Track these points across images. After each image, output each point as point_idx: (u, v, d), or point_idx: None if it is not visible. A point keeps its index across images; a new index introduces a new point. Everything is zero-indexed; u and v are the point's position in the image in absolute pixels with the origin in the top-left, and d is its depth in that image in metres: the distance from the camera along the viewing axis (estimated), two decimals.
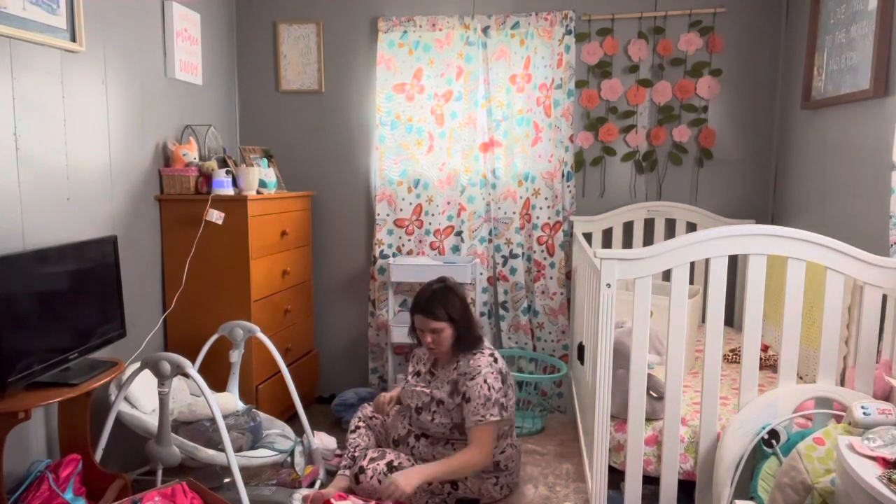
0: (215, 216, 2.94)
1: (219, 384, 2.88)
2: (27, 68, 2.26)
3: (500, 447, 2.65)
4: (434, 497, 2.57)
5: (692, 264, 2.53)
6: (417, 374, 2.80)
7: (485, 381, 2.55)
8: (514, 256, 3.65)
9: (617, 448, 2.37)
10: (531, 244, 3.69)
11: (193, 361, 2.63)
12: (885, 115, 2.41)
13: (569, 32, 3.50)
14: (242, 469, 2.41)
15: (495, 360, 2.64)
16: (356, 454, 2.69)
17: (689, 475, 2.30)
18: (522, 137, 3.61)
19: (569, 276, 3.68)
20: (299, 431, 2.93)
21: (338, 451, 3.03)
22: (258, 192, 3.15)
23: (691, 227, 3.54)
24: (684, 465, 2.30)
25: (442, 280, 2.74)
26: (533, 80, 3.56)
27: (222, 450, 2.34)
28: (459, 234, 3.69)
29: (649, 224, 3.62)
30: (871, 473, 1.55)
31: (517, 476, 2.77)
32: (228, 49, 3.71)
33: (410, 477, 2.39)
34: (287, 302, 3.42)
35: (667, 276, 2.22)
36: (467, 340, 2.64)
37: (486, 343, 2.72)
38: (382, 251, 3.73)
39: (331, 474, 2.79)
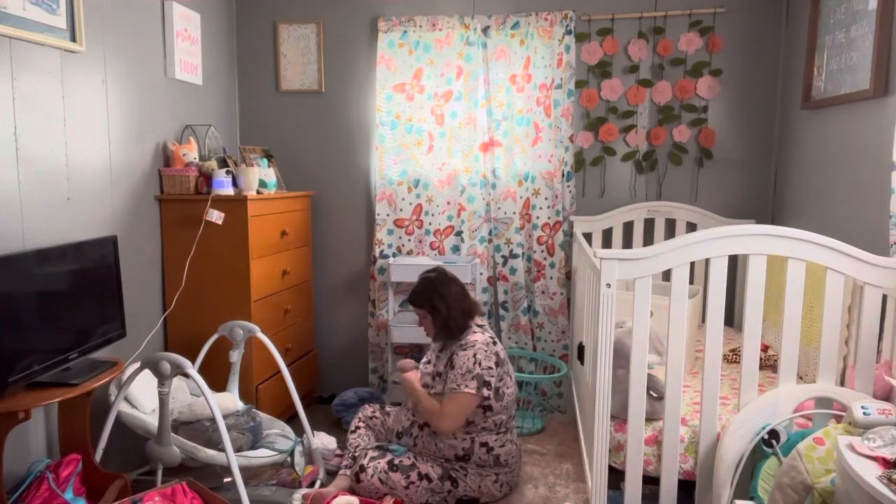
0: (215, 216, 2.94)
1: (219, 384, 2.88)
2: (27, 68, 2.26)
3: (501, 441, 2.66)
4: (434, 496, 2.57)
5: (692, 264, 2.53)
6: (429, 361, 2.85)
7: (474, 356, 2.59)
8: (514, 256, 3.65)
9: (617, 448, 2.37)
10: (531, 244, 3.69)
11: (193, 361, 2.64)
12: (885, 115, 2.42)
13: (569, 32, 3.50)
14: (242, 469, 2.41)
15: (494, 343, 2.67)
16: (356, 454, 2.70)
17: (689, 475, 2.30)
18: (522, 137, 3.61)
19: (569, 276, 3.68)
20: (299, 431, 2.93)
21: (338, 451, 3.03)
22: (258, 192, 3.15)
23: (691, 227, 3.54)
24: (684, 465, 2.30)
25: (433, 270, 2.83)
26: (533, 80, 3.56)
27: (222, 450, 2.34)
28: (459, 234, 3.69)
29: (649, 224, 3.62)
30: (871, 473, 1.55)
31: (517, 474, 2.77)
32: (228, 49, 3.71)
33: (411, 381, 2.71)
34: (287, 302, 3.42)
35: (667, 276, 2.22)
36: (446, 330, 2.71)
37: (488, 329, 2.75)
38: (382, 251, 3.73)
39: (331, 474, 2.79)
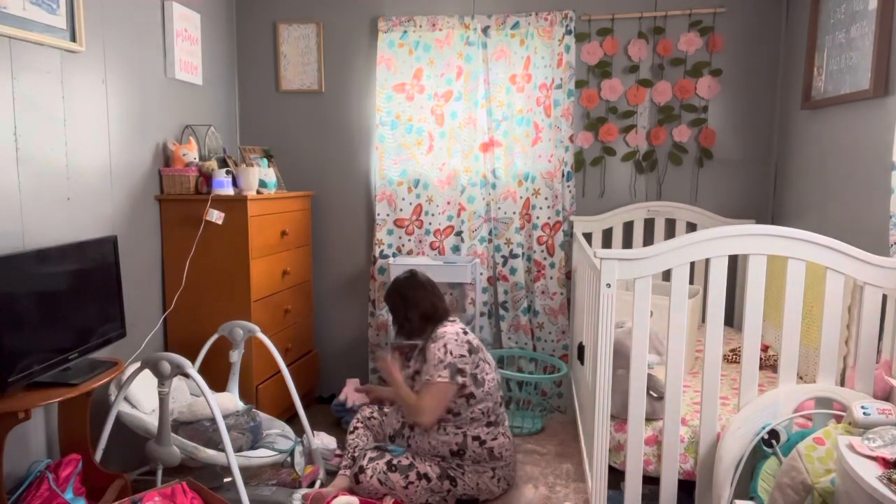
0: (215, 216, 2.94)
1: (219, 384, 2.88)
2: (27, 68, 2.26)
3: (493, 434, 2.65)
4: (434, 495, 2.57)
5: (692, 264, 2.53)
6: (409, 360, 2.86)
7: (444, 346, 2.60)
8: (514, 256, 3.65)
9: (617, 448, 2.37)
10: (531, 244, 3.69)
11: (193, 361, 2.64)
12: (885, 115, 2.42)
13: (569, 32, 3.50)
14: (242, 469, 2.42)
15: (465, 333, 2.68)
16: (355, 455, 2.70)
17: (689, 475, 2.30)
18: (522, 137, 3.61)
19: (569, 276, 3.68)
20: (299, 431, 2.93)
21: (338, 451, 3.03)
22: (258, 192, 3.15)
23: (691, 227, 3.54)
24: (684, 465, 2.30)
25: (408, 272, 2.88)
26: (533, 80, 3.56)
27: (222, 450, 2.34)
28: (459, 234, 3.69)
29: (649, 224, 3.62)
30: (871, 473, 1.55)
31: (513, 468, 2.76)
32: (228, 49, 3.71)
33: (391, 370, 2.69)
34: (287, 302, 3.42)
35: (667, 276, 2.22)
36: (402, 330, 2.79)
37: (458, 322, 2.76)
38: (382, 251, 3.73)
39: (331, 474, 2.79)
